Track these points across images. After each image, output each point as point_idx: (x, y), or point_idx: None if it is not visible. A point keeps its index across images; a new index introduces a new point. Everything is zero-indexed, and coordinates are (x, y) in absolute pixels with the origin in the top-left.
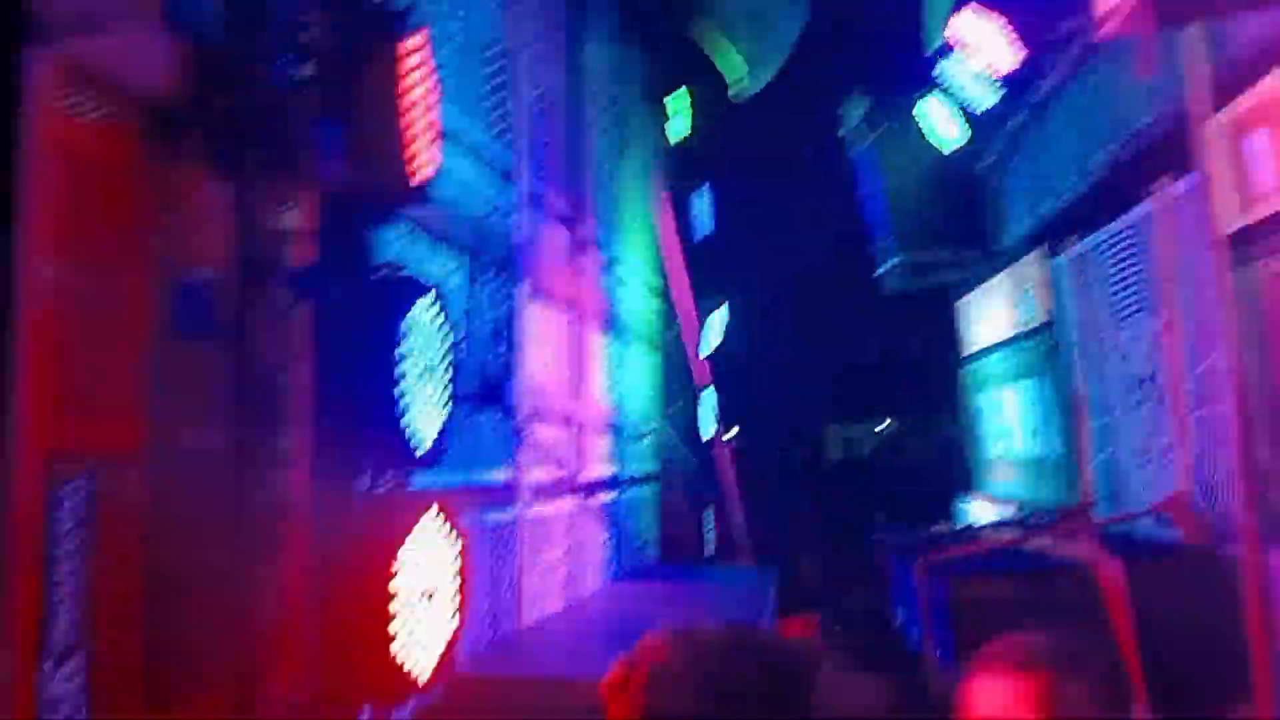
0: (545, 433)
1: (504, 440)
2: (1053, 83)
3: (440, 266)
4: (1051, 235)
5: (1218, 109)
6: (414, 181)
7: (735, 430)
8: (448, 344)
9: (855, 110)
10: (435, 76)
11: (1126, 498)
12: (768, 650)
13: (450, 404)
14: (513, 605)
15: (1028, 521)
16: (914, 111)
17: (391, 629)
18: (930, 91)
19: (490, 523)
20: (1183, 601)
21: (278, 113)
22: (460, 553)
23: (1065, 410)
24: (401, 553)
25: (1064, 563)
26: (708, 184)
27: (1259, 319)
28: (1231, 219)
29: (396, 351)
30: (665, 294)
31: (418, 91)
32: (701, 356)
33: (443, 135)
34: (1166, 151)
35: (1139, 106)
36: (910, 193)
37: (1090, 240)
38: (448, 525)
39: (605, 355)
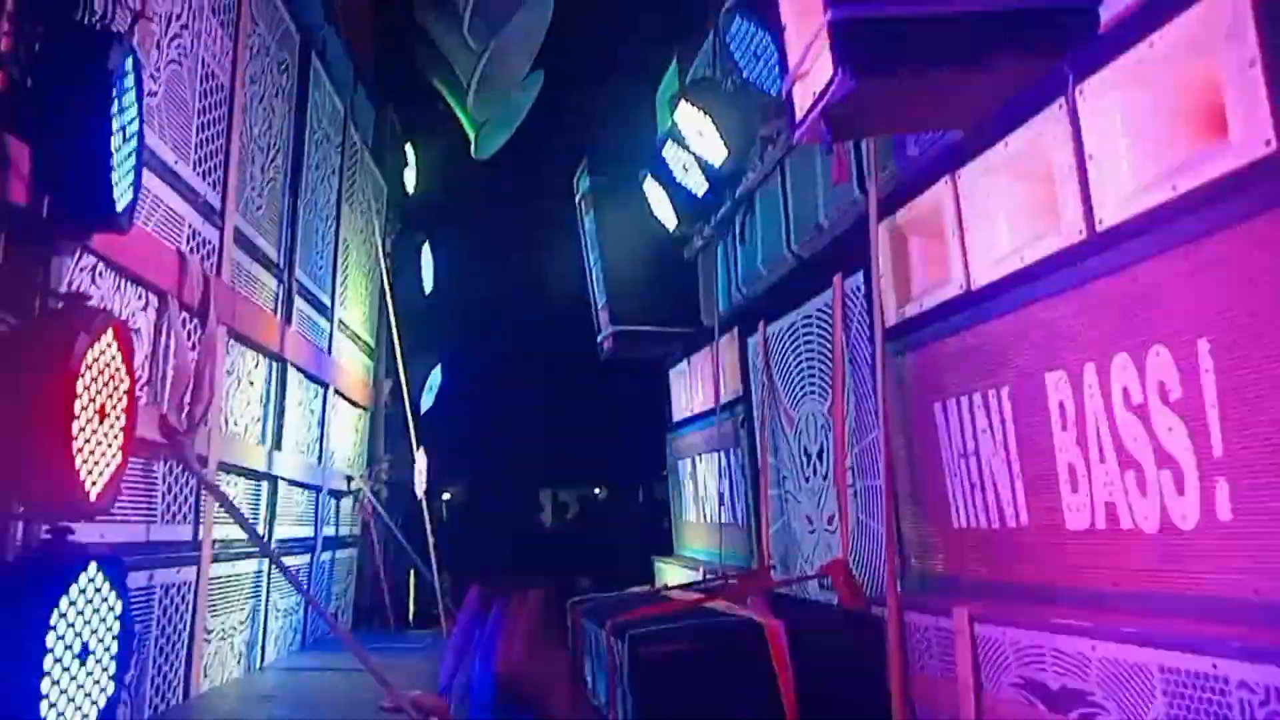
0: (234, 487)
1: (186, 494)
2: (756, 178)
3: (127, 304)
4: (747, 318)
5: (888, 215)
6: (111, 209)
7: (446, 494)
8: (125, 386)
9: (585, 181)
10: (140, 103)
11: (799, 562)
12: None
13: (123, 451)
14: (184, 672)
15: (711, 583)
16: (641, 188)
17: (41, 690)
18: (652, 173)
19: (164, 581)
20: (836, 657)
21: None
22: (121, 614)
23: (750, 480)
24: (55, 612)
25: (738, 622)
26: (431, 240)
27: (907, 404)
28: (891, 314)
29: (71, 388)
30: (381, 350)
31: (125, 116)
32: (418, 415)
33: (145, 165)
34: (845, 250)
35: (824, 207)
36: (626, 267)
37: (775, 326)
38: (108, 583)
39: (310, 409)
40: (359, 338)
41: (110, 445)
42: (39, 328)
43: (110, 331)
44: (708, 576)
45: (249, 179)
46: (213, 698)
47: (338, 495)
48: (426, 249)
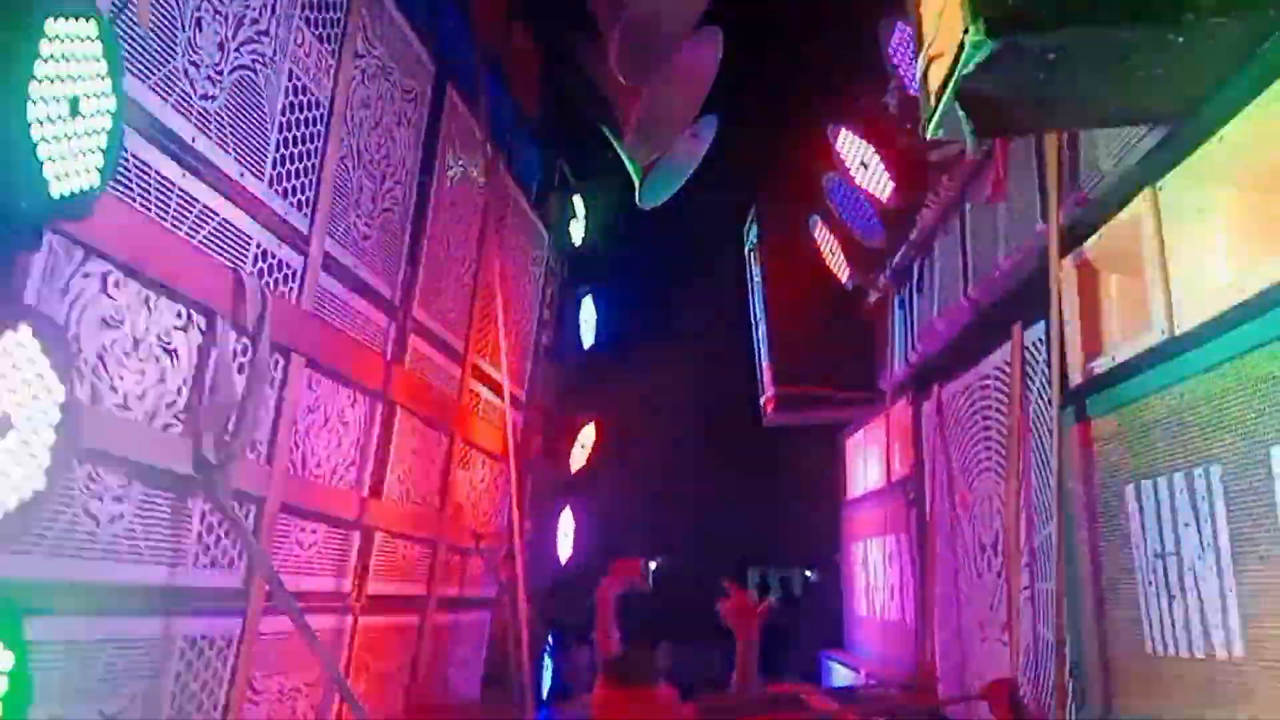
0: (307, 535)
1: (222, 537)
2: (933, 216)
3: (158, 321)
4: (922, 381)
5: (1076, 247)
6: (47, 192)
7: (654, 563)
8: (55, 395)
9: (754, 231)
10: (107, 77)
11: (968, 675)
12: None
13: (48, 471)
14: None
15: (864, 691)
16: (812, 236)
17: None
18: (820, 217)
19: (187, 632)
20: None
21: None
22: (12, 670)
23: (919, 573)
24: None
25: None
26: (594, 292)
27: (1093, 485)
28: (1077, 372)
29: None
30: (528, 403)
31: (67, 86)
32: (571, 472)
33: (197, 174)
34: (1028, 294)
35: (1001, 246)
36: (794, 323)
37: (949, 389)
38: None
39: (429, 459)
40: (502, 388)
41: (27, 466)
42: None
43: (24, 329)
44: (868, 682)
45: (354, 206)
46: None
47: (463, 553)
48: (588, 301)
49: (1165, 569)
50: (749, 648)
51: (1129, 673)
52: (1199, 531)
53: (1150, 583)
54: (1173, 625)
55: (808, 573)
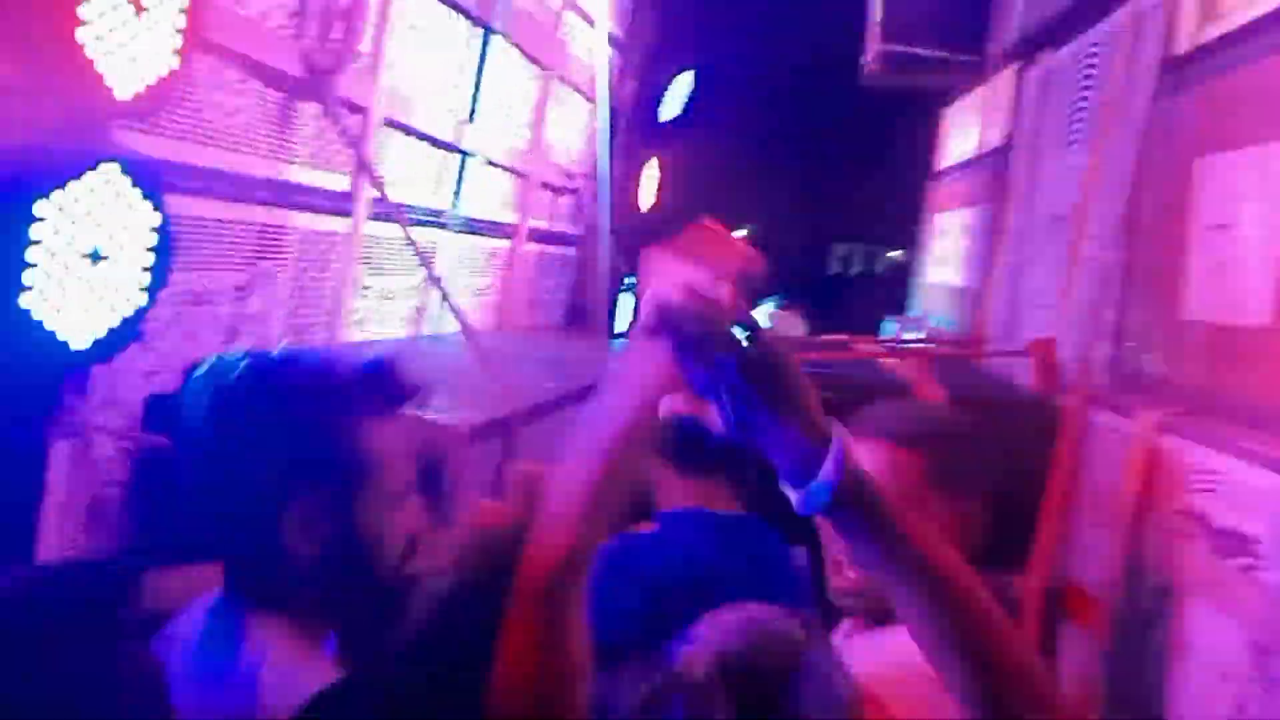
0: (408, 151)
1: (331, 142)
2: None
3: None
4: (1031, 48)
5: None
6: None
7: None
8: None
9: None
10: None
11: (1019, 336)
12: None
13: (180, 55)
14: (324, 319)
15: (902, 342)
16: None
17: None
18: None
19: (302, 225)
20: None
21: None
22: (159, 228)
23: (990, 240)
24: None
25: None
26: None
27: (1171, 157)
28: (1185, 40)
29: None
30: (626, 45)
31: None
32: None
33: None
34: None
35: None
36: None
37: (1055, 57)
38: (139, 190)
39: (525, 93)
40: (598, 25)
41: (157, 46)
42: None
43: None
44: (925, 337)
45: None
46: (361, 346)
47: (554, 190)
48: None
49: (1219, 242)
50: None
51: (1159, 336)
52: (1259, 204)
53: (1200, 253)
54: (1209, 293)
55: (891, 253)
